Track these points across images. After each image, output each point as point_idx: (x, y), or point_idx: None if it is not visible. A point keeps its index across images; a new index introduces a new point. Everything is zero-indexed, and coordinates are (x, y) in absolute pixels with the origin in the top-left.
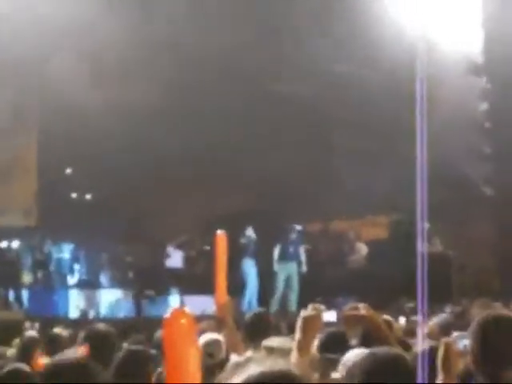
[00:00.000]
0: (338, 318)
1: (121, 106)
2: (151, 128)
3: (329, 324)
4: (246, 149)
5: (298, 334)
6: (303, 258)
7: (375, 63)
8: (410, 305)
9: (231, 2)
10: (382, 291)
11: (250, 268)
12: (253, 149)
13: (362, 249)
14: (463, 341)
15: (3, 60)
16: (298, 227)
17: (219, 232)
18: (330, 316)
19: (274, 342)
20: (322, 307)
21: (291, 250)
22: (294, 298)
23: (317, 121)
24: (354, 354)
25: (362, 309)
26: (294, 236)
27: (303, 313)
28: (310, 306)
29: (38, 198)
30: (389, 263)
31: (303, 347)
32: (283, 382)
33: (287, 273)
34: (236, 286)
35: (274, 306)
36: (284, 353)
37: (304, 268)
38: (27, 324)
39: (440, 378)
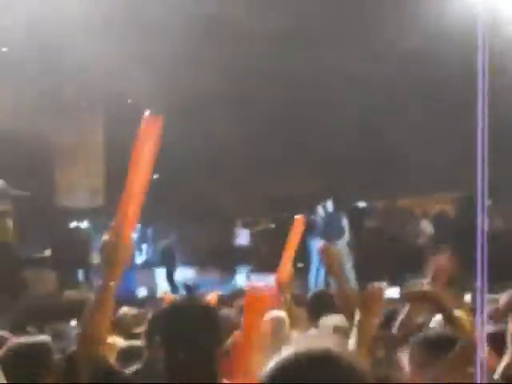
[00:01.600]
0: (400, 295)
1: (183, 90)
2: (214, 110)
3: (391, 300)
4: (310, 131)
5: (357, 314)
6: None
7: (436, 37)
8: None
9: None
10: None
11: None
12: (316, 130)
13: (428, 227)
14: None
15: (65, 45)
16: (361, 204)
17: (298, 216)
18: (393, 292)
19: (332, 320)
20: (384, 284)
21: (334, 226)
22: (350, 277)
23: (380, 98)
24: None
25: (426, 285)
26: (334, 215)
27: (363, 292)
28: (371, 285)
29: (106, 178)
30: (455, 240)
31: (364, 327)
32: (318, 364)
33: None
34: (304, 264)
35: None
36: (342, 331)
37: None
38: None
39: (509, 350)
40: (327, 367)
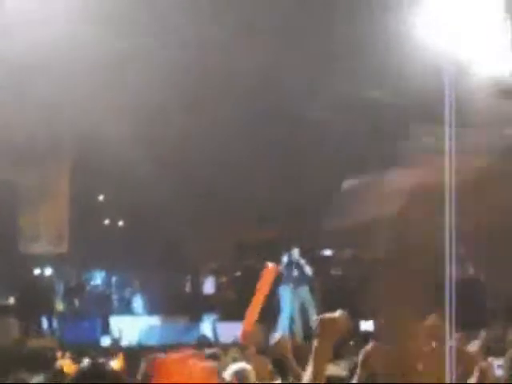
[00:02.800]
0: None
1: (152, 133)
2: (183, 155)
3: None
4: (277, 174)
5: (314, 341)
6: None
7: (405, 89)
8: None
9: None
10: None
11: (286, 294)
12: (282, 174)
13: None
14: (498, 369)
15: (36, 85)
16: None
17: (270, 264)
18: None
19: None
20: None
21: (298, 274)
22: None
23: (351, 149)
24: None
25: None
26: (299, 259)
27: (320, 316)
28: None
29: (70, 225)
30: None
31: (319, 354)
32: None
33: (299, 300)
34: (270, 313)
35: (297, 335)
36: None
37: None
38: (58, 353)
39: None
40: None
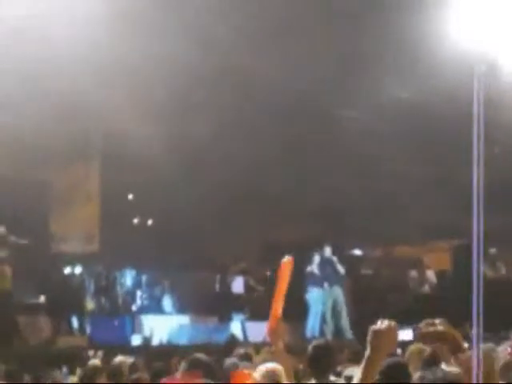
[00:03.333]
0: (414, 336)
1: (183, 135)
2: (212, 154)
3: (406, 343)
4: (306, 176)
5: (367, 351)
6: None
7: (436, 88)
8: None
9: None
10: (446, 317)
11: (314, 295)
12: (315, 177)
13: (432, 276)
14: None
15: (64, 87)
16: (357, 251)
17: (286, 258)
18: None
19: (350, 372)
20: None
21: (331, 272)
22: (345, 324)
23: (378, 148)
24: None
25: (439, 324)
26: (329, 261)
27: (374, 327)
28: (382, 321)
29: (101, 224)
30: (453, 288)
31: (372, 363)
32: None
33: (332, 299)
34: (300, 312)
35: (328, 334)
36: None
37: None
38: (90, 352)
39: None
40: None
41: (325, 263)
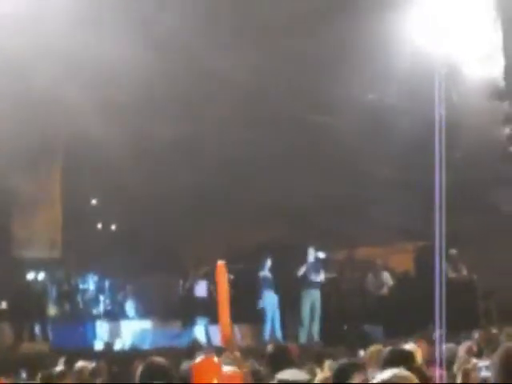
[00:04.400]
0: None
1: (146, 138)
2: (176, 158)
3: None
4: (273, 180)
5: None
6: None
7: (399, 91)
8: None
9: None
10: (408, 319)
11: (269, 299)
12: (279, 179)
13: (388, 278)
14: (484, 371)
15: (25, 91)
16: (321, 254)
17: (219, 262)
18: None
19: (287, 374)
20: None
21: (313, 277)
22: (316, 327)
23: (342, 150)
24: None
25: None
26: (315, 263)
27: None
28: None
29: (63, 229)
30: (415, 290)
31: None
32: None
33: (311, 301)
34: (259, 316)
35: (302, 336)
36: None
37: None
38: (51, 358)
39: None
40: None
41: (311, 265)
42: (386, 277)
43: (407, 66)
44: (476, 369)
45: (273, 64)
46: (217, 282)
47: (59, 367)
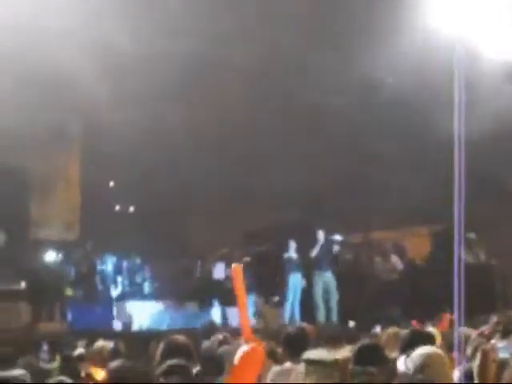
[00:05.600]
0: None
1: (164, 121)
2: (193, 141)
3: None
4: (286, 162)
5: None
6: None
7: (414, 72)
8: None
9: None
10: (425, 303)
11: (294, 281)
12: (291, 162)
13: (397, 262)
14: (503, 351)
15: (46, 73)
16: (337, 237)
17: (234, 265)
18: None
19: (313, 354)
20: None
21: (326, 259)
22: (334, 308)
23: (358, 133)
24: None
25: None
26: (329, 246)
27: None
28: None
29: (81, 211)
30: (431, 274)
31: None
32: None
33: (324, 283)
34: (277, 297)
35: (320, 317)
36: (323, 365)
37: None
38: (70, 338)
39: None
40: None
41: (321, 248)
42: (396, 261)
43: (422, 46)
44: (494, 349)
45: (283, 48)
46: (234, 285)
47: (79, 350)
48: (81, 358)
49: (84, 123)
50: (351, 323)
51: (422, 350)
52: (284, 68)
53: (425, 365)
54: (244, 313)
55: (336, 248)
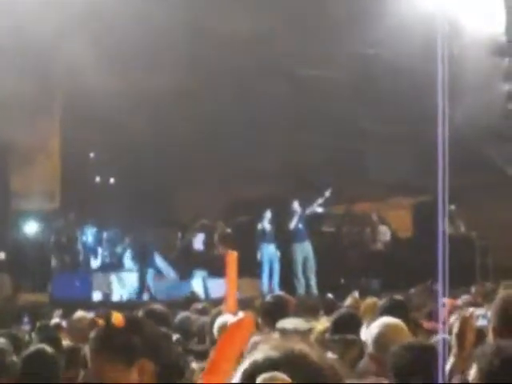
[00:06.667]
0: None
1: (144, 90)
2: (174, 112)
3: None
4: (269, 133)
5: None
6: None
7: (398, 46)
8: (436, 287)
9: None
10: (406, 273)
11: (268, 252)
12: (275, 132)
13: (385, 232)
14: (482, 319)
15: (25, 44)
16: (317, 208)
17: (230, 252)
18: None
19: (287, 323)
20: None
21: (303, 229)
22: (313, 279)
23: (340, 104)
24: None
25: None
26: (308, 217)
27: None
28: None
29: (62, 181)
30: (413, 245)
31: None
32: (293, 365)
33: (303, 255)
34: (257, 269)
35: (300, 289)
36: (298, 334)
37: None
38: (48, 308)
39: (453, 351)
40: (297, 366)
41: (297, 218)
42: (384, 231)
43: (407, 20)
44: (473, 316)
45: (271, 21)
46: (227, 270)
47: (55, 319)
48: (57, 327)
49: (65, 94)
50: (330, 295)
51: (379, 321)
52: (272, 40)
53: (380, 335)
54: (232, 289)
55: (316, 219)
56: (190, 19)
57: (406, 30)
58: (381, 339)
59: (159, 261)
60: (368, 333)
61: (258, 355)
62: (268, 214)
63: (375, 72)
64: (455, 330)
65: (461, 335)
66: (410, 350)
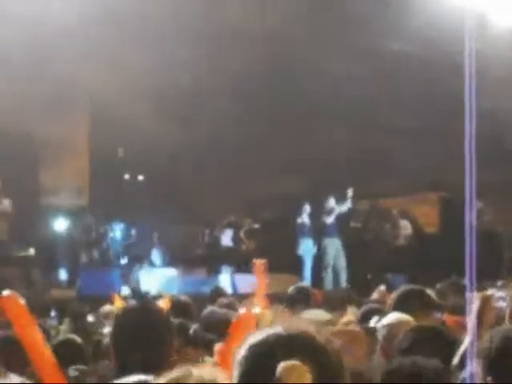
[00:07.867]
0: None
1: (173, 88)
2: (200, 109)
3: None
4: (295, 129)
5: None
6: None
7: (426, 41)
8: (462, 282)
9: None
10: (432, 268)
11: (307, 248)
12: (301, 129)
13: (407, 227)
14: (501, 301)
15: (54, 40)
16: (346, 204)
17: (258, 261)
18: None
19: (310, 314)
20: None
21: (336, 226)
22: (342, 274)
23: (367, 99)
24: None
25: None
26: (339, 213)
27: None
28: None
29: (91, 178)
30: (440, 240)
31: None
32: (292, 343)
33: (335, 250)
34: (295, 265)
35: (328, 284)
36: (319, 324)
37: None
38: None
39: (471, 330)
40: (300, 346)
41: (334, 214)
42: (404, 225)
43: (435, 15)
44: (494, 297)
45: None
46: (257, 278)
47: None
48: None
49: (94, 91)
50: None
51: (387, 319)
52: (297, 39)
53: (390, 326)
54: (262, 284)
55: (345, 215)
56: (205, 19)
57: (434, 25)
58: (390, 331)
59: (155, 256)
60: (380, 325)
61: (268, 332)
62: (307, 208)
63: (401, 67)
64: (475, 308)
65: (480, 314)
66: (415, 331)
